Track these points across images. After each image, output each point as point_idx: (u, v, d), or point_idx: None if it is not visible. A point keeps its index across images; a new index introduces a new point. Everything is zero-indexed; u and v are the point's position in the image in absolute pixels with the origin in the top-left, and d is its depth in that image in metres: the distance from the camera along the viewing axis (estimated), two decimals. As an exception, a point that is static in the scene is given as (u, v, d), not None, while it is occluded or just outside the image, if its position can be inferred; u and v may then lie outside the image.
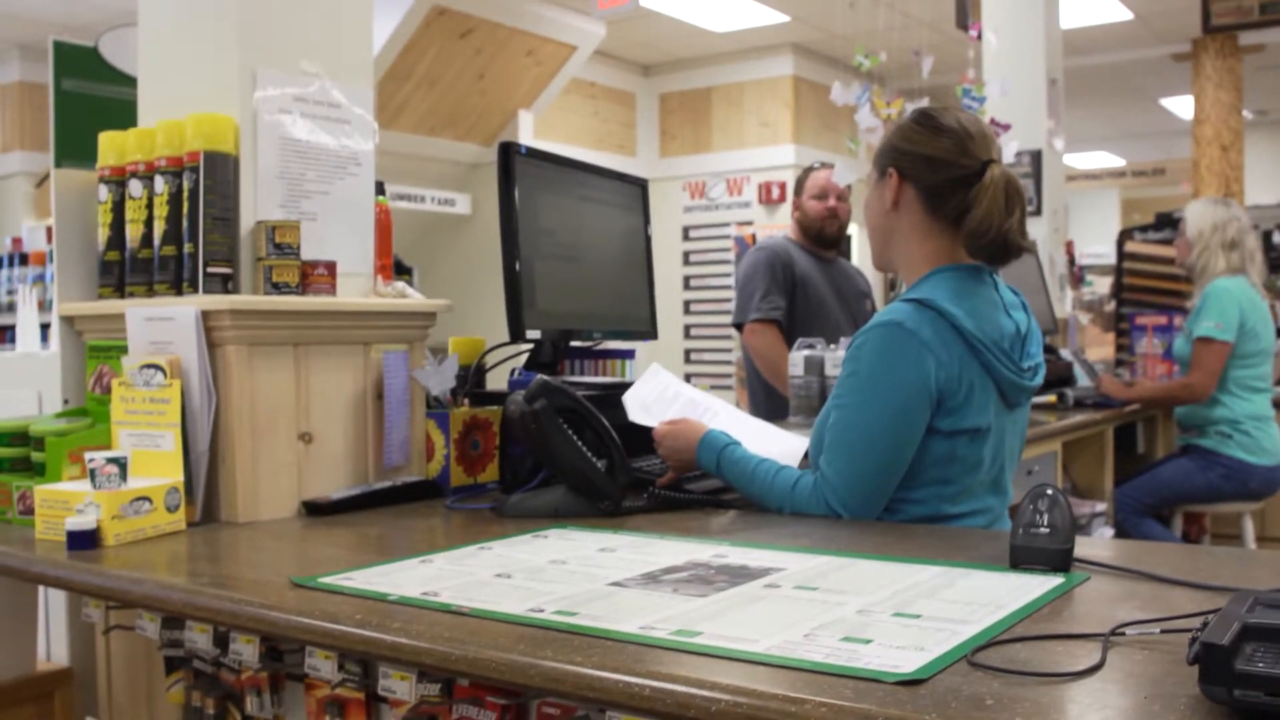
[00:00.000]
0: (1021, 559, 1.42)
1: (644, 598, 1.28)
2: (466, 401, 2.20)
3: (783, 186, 8.94)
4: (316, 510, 1.89)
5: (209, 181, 1.83)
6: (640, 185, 2.62)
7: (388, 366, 2.03)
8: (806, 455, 2.10)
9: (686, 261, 9.53)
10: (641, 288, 2.60)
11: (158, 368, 1.78)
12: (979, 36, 4.46)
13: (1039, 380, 1.92)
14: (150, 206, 1.90)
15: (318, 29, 2.00)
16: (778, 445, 2.12)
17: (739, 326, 4.16)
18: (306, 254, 1.92)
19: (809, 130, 9.13)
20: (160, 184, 1.88)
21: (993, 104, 4.24)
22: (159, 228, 1.88)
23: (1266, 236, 7.37)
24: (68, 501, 1.65)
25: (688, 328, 9.52)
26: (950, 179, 1.88)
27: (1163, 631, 1.11)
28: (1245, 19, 5.29)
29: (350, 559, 1.57)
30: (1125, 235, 6.48)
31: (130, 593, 1.42)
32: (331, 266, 1.95)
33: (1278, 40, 7.88)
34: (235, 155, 1.87)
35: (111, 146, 1.96)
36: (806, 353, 3.63)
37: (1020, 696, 0.95)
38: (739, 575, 1.39)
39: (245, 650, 1.47)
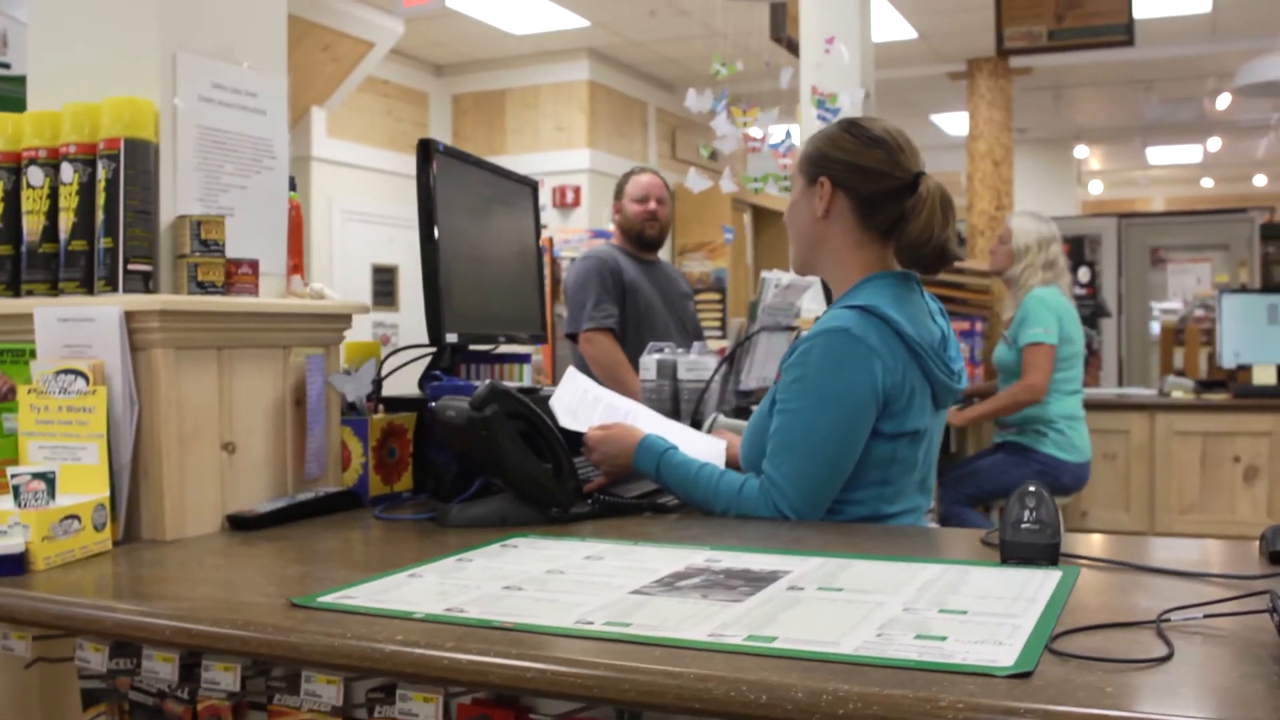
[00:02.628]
0: (1014, 554, 1.47)
1: (680, 605, 1.26)
2: (380, 408, 2.10)
3: (577, 191, 8.97)
4: (243, 524, 1.77)
5: (130, 171, 1.69)
6: (531, 185, 2.57)
7: (310, 371, 1.92)
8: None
9: (479, 265, 9.42)
10: (534, 290, 2.56)
11: (77, 373, 1.62)
12: (829, 50, 4.60)
13: (964, 384, 1.99)
14: (54, 197, 1.74)
15: (234, 13, 1.87)
16: (698, 446, 2.13)
17: (573, 336, 4.16)
18: (227, 251, 1.80)
19: (604, 135, 9.20)
20: (68, 172, 1.71)
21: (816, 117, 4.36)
22: (66, 220, 1.72)
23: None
24: (-14, 522, 1.48)
25: (480, 332, 9.41)
26: (884, 190, 1.93)
27: (1205, 616, 1.17)
28: (1035, 44, 5.66)
29: (323, 576, 1.47)
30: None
31: (101, 620, 1.29)
32: (255, 265, 1.83)
33: (1044, 64, 8.46)
34: (156, 143, 1.73)
35: (1, 130, 1.78)
36: (658, 356, 3.65)
37: (1132, 683, 0.98)
38: (753, 579, 1.38)
39: (224, 678, 1.36)
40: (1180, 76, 9.34)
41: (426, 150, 2.06)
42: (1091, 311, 7.93)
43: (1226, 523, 4.64)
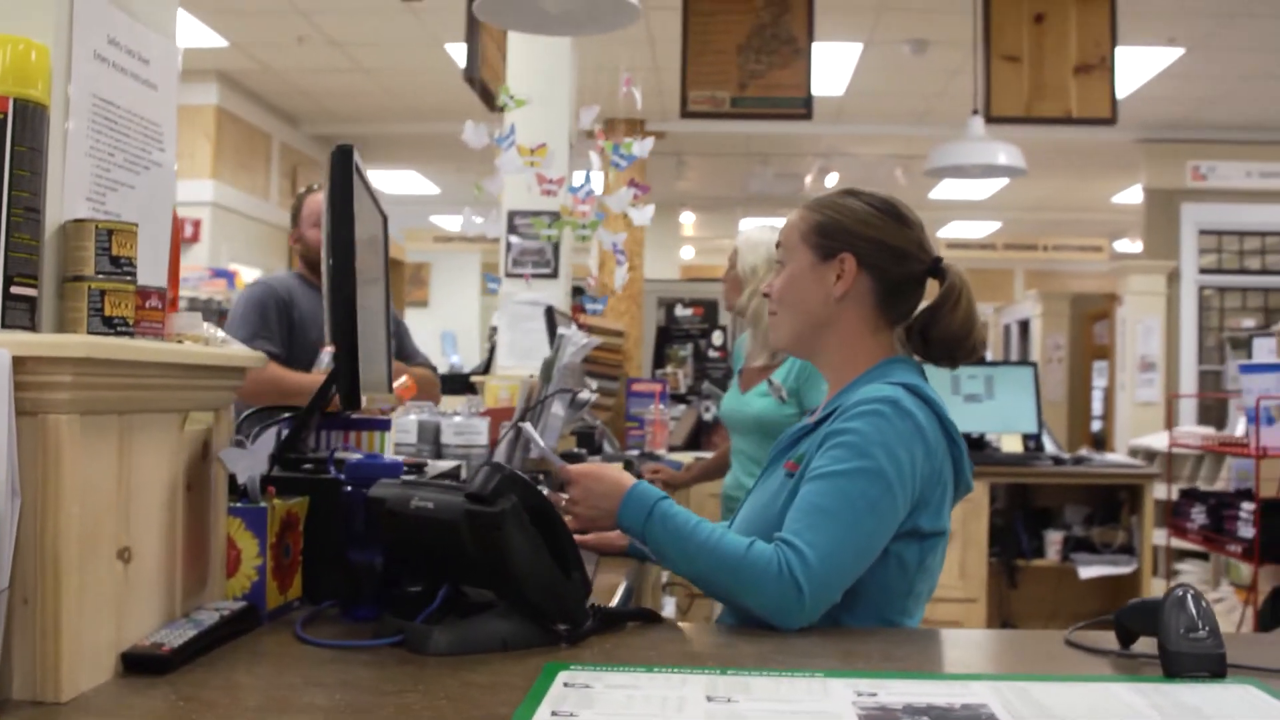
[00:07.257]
0: (1182, 667, 1.29)
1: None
2: (273, 491, 1.60)
3: (197, 225, 8.11)
4: (148, 666, 1.24)
5: (19, 148, 1.14)
6: (383, 216, 2.12)
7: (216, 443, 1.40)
8: None
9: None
10: (384, 341, 2.11)
11: (-58, 452, 1.05)
12: (626, 92, 4.31)
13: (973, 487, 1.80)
14: (-126, 179, 1.14)
15: (127, -55, 1.35)
16: None
17: None
18: (124, 275, 1.27)
19: (228, 166, 8.40)
20: (-93, 144, 1.13)
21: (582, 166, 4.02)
22: (-103, 216, 1.13)
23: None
24: None
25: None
26: (910, 274, 1.74)
27: None
28: (719, 109, 5.71)
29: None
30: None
31: None
32: (163, 296, 1.31)
33: (675, 130, 8.65)
34: (48, 110, 1.18)
35: None
36: (417, 417, 3.25)
37: None
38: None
39: None
40: (794, 153, 9.95)
41: (347, 161, 1.60)
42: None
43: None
